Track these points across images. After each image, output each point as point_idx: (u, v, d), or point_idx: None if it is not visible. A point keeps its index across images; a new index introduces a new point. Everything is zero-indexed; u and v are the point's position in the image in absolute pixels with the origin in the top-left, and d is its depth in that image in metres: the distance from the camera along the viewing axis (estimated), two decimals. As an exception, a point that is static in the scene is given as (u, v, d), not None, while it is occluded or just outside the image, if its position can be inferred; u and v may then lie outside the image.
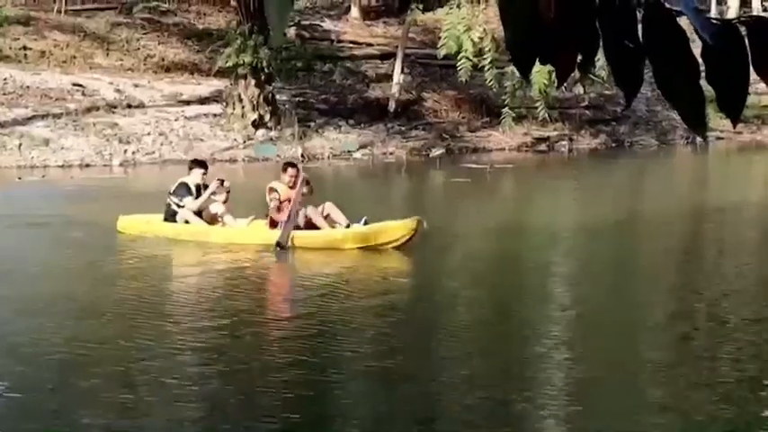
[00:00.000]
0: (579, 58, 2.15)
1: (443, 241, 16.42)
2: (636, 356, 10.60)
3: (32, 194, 22.63)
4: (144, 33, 36.31)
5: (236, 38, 31.23)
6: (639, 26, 2.10)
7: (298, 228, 16.05)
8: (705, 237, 18.77)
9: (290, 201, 16.19)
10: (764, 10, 43.33)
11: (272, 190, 16.43)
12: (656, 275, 15.26)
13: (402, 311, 12.53)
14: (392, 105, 34.31)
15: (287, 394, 9.12)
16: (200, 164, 17.85)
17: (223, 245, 16.18)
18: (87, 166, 28.18)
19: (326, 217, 16.30)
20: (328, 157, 31.00)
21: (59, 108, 30.51)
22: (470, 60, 29.91)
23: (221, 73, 32.55)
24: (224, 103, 31.82)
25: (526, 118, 33.96)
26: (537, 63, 2.19)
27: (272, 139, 31.10)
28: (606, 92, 35.50)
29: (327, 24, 38.96)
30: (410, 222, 15.71)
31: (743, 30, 2.08)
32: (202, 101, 32.56)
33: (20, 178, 25.67)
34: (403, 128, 33.75)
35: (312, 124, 32.44)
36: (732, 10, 45.87)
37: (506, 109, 31.47)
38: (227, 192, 17.03)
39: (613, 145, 35.55)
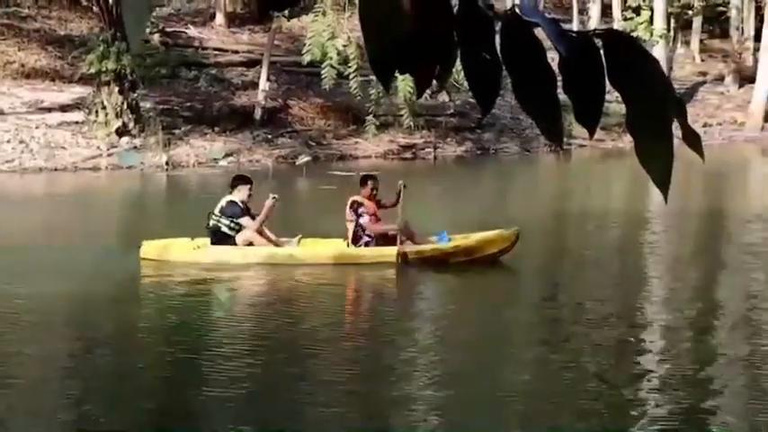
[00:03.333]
0: (438, 68, 2.15)
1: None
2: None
3: None
4: (3, 39, 35.57)
5: (98, 44, 30.87)
6: (497, 37, 2.11)
7: (389, 243, 15.53)
8: (559, 242, 19.03)
9: (375, 215, 15.64)
10: (625, 19, 44.17)
11: (359, 204, 15.65)
12: (517, 278, 15.47)
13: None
14: (258, 113, 34.21)
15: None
16: (245, 180, 16.14)
17: (306, 264, 15.18)
18: (-56, 174, 27.59)
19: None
20: (194, 165, 30.78)
21: None
22: (335, 68, 29.98)
23: (84, 80, 32.14)
24: (86, 111, 31.37)
25: (392, 125, 34.17)
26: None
27: (136, 147, 30.77)
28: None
29: (192, 31, 38.70)
30: (512, 233, 15.52)
31: (598, 42, 2.09)
32: (64, 108, 32.04)
33: None
34: (269, 135, 33.66)
35: (177, 132, 32.17)
36: (593, 20, 46.73)
37: (370, 117, 31.64)
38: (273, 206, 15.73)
39: (478, 152, 35.91)
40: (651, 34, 41.61)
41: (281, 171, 30.39)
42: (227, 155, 31.71)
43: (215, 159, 31.31)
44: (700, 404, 9.16)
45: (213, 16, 40.62)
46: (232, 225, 15.52)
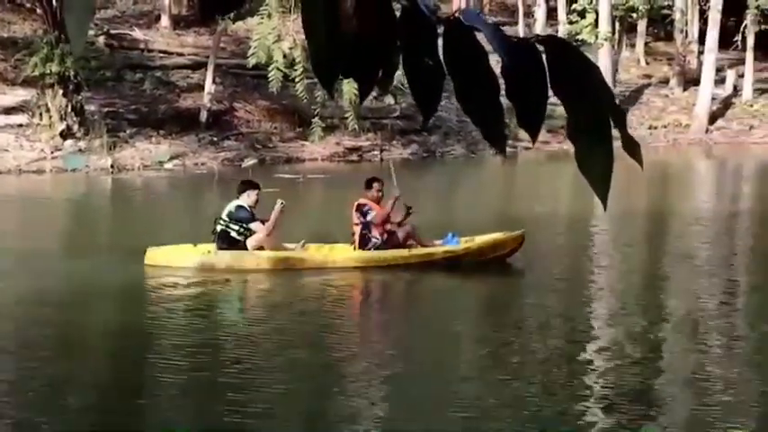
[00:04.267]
0: (380, 73, 2.15)
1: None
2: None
3: None
4: (-55, 41, 35.27)
5: (42, 46, 30.65)
6: (440, 42, 2.11)
7: (397, 245, 15.50)
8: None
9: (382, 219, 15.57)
10: (570, 23, 44.38)
11: (364, 205, 15.63)
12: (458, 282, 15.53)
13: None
14: (204, 115, 34.08)
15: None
16: (253, 185, 15.88)
17: (318, 268, 15.12)
18: None
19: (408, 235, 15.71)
20: (139, 168, 30.63)
21: None
22: (281, 71, 29.91)
23: (27, 82, 31.85)
24: (30, 113, 31.13)
25: (338, 128, 34.16)
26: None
27: (80, 150, 30.57)
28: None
29: (137, 33, 38.46)
30: (518, 234, 15.78)
31: (540, 48, 2.10)
32: (7, 111, 31.76)
33: None
34: (215, 138, 33.56)
35: (122, 134, 32.01)
36: (539, 23, 46.92)
37: (316, 119, 31.59)
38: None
39: (425, 155, 35.96)
40: (596, 37, 41.85)
41: (227, 174, 30.27)
42: (172, 158, 31.58)
43: (160, 162, 31.17)
44: (643, 411, 9.20)
45: (158, 18, 40.40)
46: (241, 230, 15.36)
